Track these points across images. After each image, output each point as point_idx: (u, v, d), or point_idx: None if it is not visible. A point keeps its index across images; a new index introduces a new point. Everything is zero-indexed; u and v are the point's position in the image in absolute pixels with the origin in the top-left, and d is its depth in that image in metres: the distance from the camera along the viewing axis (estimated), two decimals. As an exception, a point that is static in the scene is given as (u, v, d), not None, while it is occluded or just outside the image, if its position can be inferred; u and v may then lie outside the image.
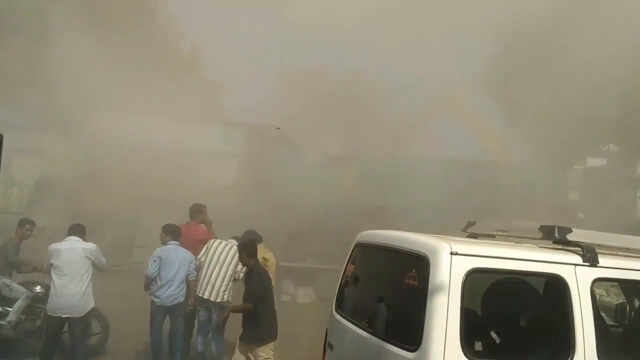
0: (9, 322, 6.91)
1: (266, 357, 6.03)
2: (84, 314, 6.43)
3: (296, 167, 17.41)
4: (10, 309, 6.98)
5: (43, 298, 7.07)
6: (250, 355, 6.05)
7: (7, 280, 7.23)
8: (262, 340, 6.01)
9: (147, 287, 7.11)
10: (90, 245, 6.60)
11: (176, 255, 7.02)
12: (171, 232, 7.18)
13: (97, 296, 6.69)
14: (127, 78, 21.62)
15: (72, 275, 6.33)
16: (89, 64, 20.11)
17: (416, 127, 19.44)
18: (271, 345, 6.07)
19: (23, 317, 7.13)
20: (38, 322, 7.21)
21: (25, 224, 7.52)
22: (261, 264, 7.09)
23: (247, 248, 6.25)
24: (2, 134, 3.91)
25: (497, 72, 14.73)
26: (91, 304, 6.53)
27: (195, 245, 7.37)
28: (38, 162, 17.13)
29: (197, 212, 8.00)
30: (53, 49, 19.56)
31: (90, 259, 6.49)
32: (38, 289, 7.34)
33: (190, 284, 7.11)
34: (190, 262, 7.06)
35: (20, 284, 7.27)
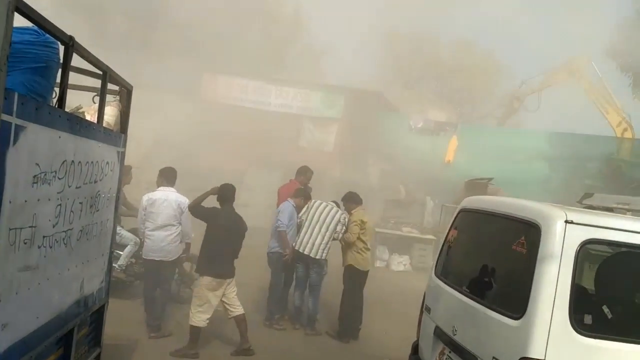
0: (120, 265, 7.41)
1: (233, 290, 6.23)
2: (174, 258, 6.69)
3: (398, 134, 17.18)
4: (122, 253, 7.48)
5: None
6: (224, 292, 6.12)
7: (117, 228, 7.72)
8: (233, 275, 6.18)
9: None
10: (183, 199, 6.61)
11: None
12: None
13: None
14: (236, 43, 22.43)
15: (163, 223, 6.56)
16: (204, 28, 21.03)
17: (528, 98, 18.31)
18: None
19: (133, 260, 7.69)
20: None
21: (128, 171, 7.66)
22: (358, 225, 7.22)
23: (227, 192, 6.37)
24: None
25: (623, 41, 13.40)
26: (180, 250, 6.75)
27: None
28: (156, 120, 18.33)
29: (301, 172, 8.22)
30: (170, 13, 20.70)
31: (182, 210, 6.57)
32: None
33: (282, 235, 7.29)
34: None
35: (129, 231, 7.73)
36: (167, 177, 6.83)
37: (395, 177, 16.39)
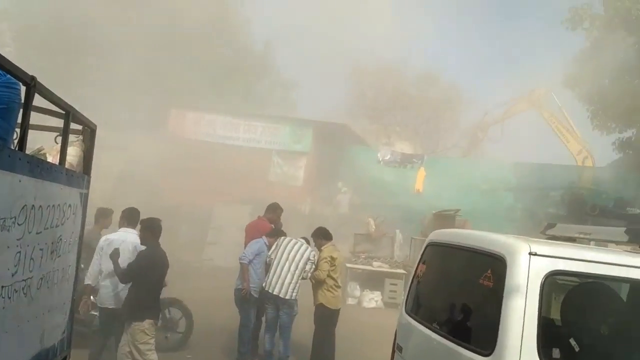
0: None
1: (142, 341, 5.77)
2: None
3: (367, 167, 17.36)
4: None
5: None
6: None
7: None
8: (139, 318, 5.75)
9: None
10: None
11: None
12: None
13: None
14: (205, 78, 22.49)
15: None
16: (170, 65, 21.06)
17: (492, 129, 18.82)
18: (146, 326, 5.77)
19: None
20: None
21: (109, 214, 7.73)
22: (328, 262, 7.17)
23: (151, 227, 5.95)
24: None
25: (580, 72, 13.97)
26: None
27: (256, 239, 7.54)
28: (121, 158, 18.09)
29: (271, 209, 8.14)
30: (136, 52, 20.67)
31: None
32: None
33: (242, 267, 7.17)
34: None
35: None
36: (128, 217, 6.45)
37: (364, 210, 16.48)
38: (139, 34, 21.09)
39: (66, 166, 3.68)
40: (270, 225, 7.94)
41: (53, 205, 3.26)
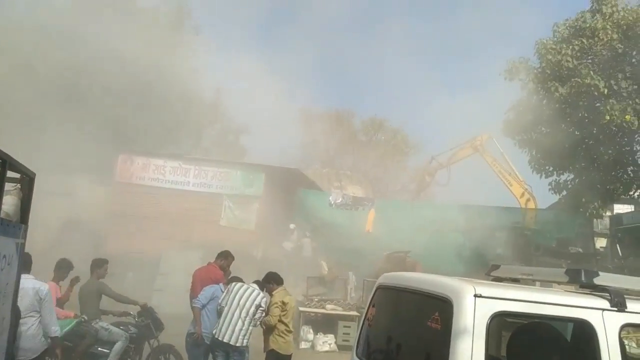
0: None
1: None
2: (34, 357, 5.69)
3: (318, 210, 17.44)
4: (108, 352, 7.19)
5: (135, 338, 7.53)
6: None
7: (104, 324, 7.44)
8: None
9: None
10: (42, 286, 5.81)
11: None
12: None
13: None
14: (155, 123, 22.28)
15: (23, 315, 5.56)
16: (119, 108, 20.79)
17: (439, 173, 19.37)
18: None
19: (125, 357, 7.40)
20: None
21: (104, 264, 7.66)
22: (279, 307, 7.08)
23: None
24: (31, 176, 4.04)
25: (521, 119, 14.70)
26: (45, 345, 5.81)
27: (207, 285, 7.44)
28: (64, 204, 17.49)
29: (222, 256, 8.05)
30: (84, 90, 20.34)
31: (40, 297, 5.71)
32: (132, 329, 7.60)
33: (194, 311, 7.09)
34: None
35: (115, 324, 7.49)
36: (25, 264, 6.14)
37: (317, 253, 16.44)
38: (86, 76, 20.83)
39: (2, 215, 3.54)
40: (221, 272, 7.82)
41: (-14, 256, 3.11)
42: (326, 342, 12.52)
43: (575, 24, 14.33)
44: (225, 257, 8.05)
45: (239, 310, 6.92)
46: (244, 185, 17.37)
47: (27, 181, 4.09)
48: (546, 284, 4.62)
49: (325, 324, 12.84)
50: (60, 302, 7.44)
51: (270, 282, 7.33)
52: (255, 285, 7.27)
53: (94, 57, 20.07)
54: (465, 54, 67.53)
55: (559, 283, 4.16)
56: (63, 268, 6.74)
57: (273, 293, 7.25)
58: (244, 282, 7.34)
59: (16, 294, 3.87)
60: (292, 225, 16.07)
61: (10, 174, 3.68)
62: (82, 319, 7.27)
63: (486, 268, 4.85)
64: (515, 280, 4.43)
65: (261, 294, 7.17)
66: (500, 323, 3.46)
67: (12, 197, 3.87)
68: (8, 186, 3.73)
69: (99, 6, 21.08)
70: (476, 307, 3.28)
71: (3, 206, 3.57)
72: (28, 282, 5.70)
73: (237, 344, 6.82)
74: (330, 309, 13.08)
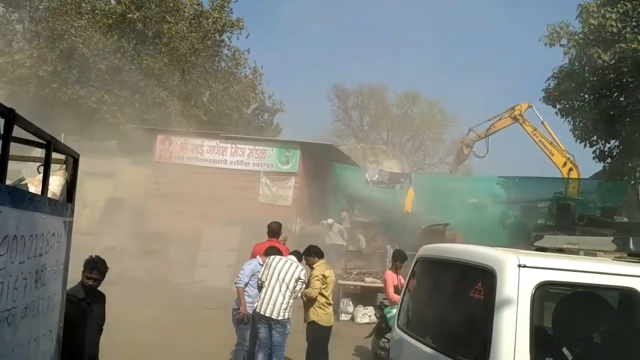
0: None
1: None
2: None
3: (355, 186, 17.41)
4: None
5: None
6: None
7: None
8: None
9: None
10: None
11: None
12: None
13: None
14: (192, 103, 22.57)
15: None
16: (156, 93, 21.13)
17: (476, 145, 18.96)
18: None
19: None
20: None
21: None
22: (319, 279, 7.13)
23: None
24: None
25: (565, 85, 14.15)
26: None
27: None
28: (108, 185, 17.98)
29: (279, 231, 8.21)
30: (126, 78, 20.76)
31: None
32: None
33: (237, 290, 7.20)
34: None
35: None
36: None
37: (355, 227, 16.47)
38: (126, 60, 21.23)
39: (49, 195, 3.64)
40: (286, 247, 8.11)
41: (36, 235, 3.21)
42: (366, 314, 12.63)
43: (621, -16, 13.61)
44: (281, 230, 8.25)
45: (279, 284, 6.96)
46: (280, 162, 17.46)
47: (71, 162, 4.19)
48: (589, 254, 4.50)
49: (364, 296, 12.94)
50: None
51: (311, 254, 7.39)
52: (294, 258, 7.29)
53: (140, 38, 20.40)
54: (503, 20, 65.43)
55: (606, 252, 4.05)
56: None
57: (314, 266, 7.31)
58: (282, 255, 7.40)
59: (66, 271, 4.00)
60: (329, 220, 15.89)
61: (55, 155, 3.76)
62: None
63: (528, 240, 4.77)
64: (560, 250, 4.34)
65: (300, 266, 7.19)
66: (543, 294, 3.39)
67: (57, 178, 3.96)
68: (54, 167, 3.83)
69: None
70: (520, 277, 3.23)
71: (50, 187, 3.67)
72: None
73: (279, 318, 6.89)
74: (369, 281, 13.16)
